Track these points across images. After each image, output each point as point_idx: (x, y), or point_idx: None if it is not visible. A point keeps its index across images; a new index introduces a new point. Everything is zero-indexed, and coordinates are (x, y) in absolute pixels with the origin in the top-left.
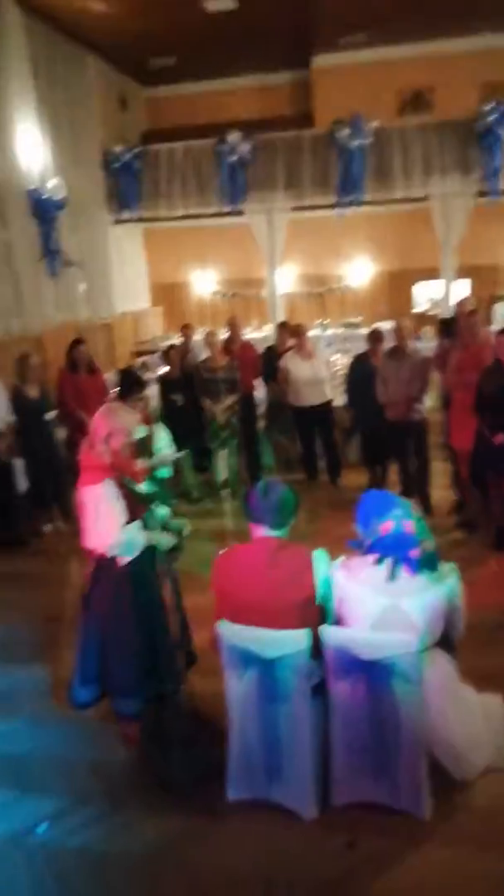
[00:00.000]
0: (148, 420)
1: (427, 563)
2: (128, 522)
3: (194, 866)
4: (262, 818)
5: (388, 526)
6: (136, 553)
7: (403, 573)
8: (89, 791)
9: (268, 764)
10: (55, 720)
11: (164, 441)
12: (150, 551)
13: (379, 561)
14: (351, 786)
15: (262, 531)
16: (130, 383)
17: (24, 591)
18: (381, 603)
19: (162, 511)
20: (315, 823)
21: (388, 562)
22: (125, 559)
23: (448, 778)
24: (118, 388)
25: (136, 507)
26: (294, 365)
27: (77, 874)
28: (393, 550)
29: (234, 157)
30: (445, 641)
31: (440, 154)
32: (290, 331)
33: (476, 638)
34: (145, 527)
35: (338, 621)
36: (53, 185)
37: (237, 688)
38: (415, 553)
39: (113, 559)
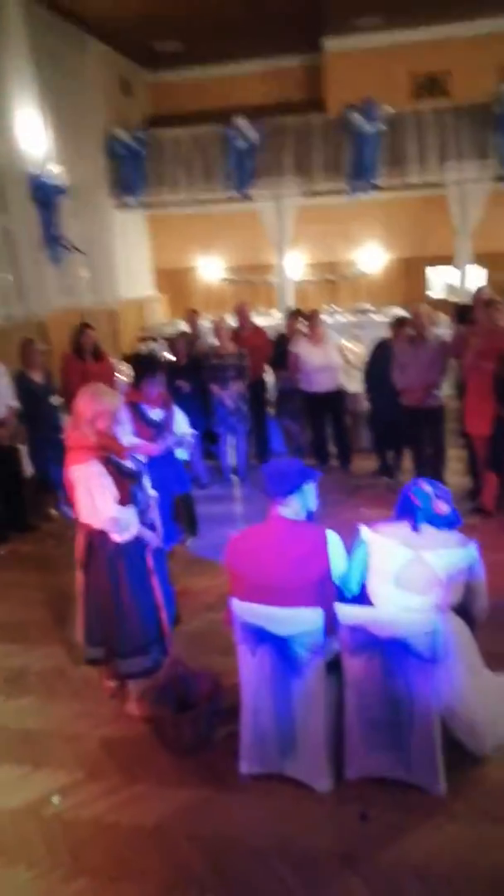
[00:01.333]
0: (166, 402)
1: (442, 522)
2: (119, 500)
3: (206, 838)
4: (276, 791)
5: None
6: (129, 536)
7: (428, 528)
8: (102, 765)
9: (281, 739)
10: (68, 697)
11: (181, 423)
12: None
13: (401, 517)
14: (364, 760)
15: (277, 508)
16: (146, 366)
17: (34, 573)
18: (404, 554)
19: (148, 490)
20: (328, 796)
21: (412, 518)
22: (118, 537)
23: (462, 754)
24: (134, 373)
25: (122, 484)
26: (305, 351)
27: (90, 844)
28: (419, 509)
29: (243, 143)
30: (468, 617)
31: (456, 139)
32: (303, 316)
33: (492, 622)
34: (134, 502)
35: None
36: (55, 171)
37: (250, 664)
38: (442, 507)
39: (105, 534)
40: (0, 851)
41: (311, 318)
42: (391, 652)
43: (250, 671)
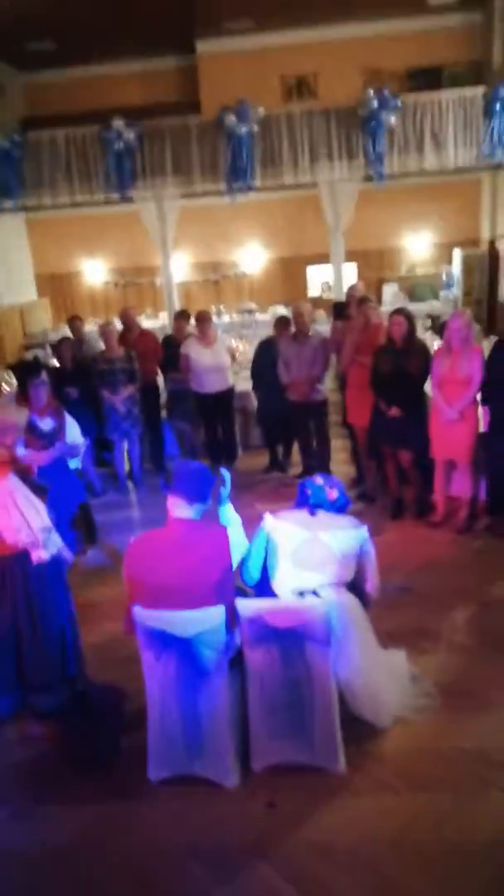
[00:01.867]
0: (56, 410)
1: (333, 506)
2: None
3: (122, 850)
4: (185, 793)
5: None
6: (55, 549)
7: (323, 513)
8: (7, 790)
9: (188, 740)
10: None
11: (74, 431)
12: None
13: (300, 505)
14: (269, 749)
15: (179, 509)
16: (29, 370)
17: None
18: (301, 534)
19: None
20: (237, 791)
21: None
22: (45, 554)
23: (358, 731)
24: (17, 381)
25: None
26: (195, 352)
27: (3, 876)
28: (313, 498)
29: (121, 144)
30: (361, 596)
31: (326, 140)
32: (195, 317)
33: (379, 601)
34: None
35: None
36: None
37: (155, 669)
38: (333, 493)
39: (21, 558)
40: None
41: (201, 319)
42: (289, 639)
43: (155, 677)
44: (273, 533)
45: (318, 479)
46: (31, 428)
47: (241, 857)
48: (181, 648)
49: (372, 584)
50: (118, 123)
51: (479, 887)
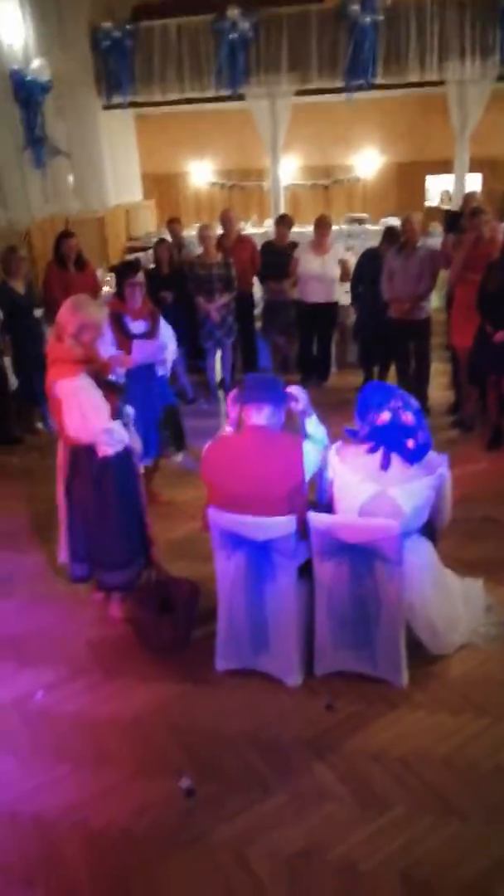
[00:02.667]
0: (151, 313)
1: (414, 456)
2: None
3: (184, 728)
4: (249, 686)
5: (385, 417)
6: (120, 448)
7: (396, 463)
8: (84, 663)
9: (254, 637)
10: (51, 601)
11: (167, 336)
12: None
13: (373, 450)
14: (333, 657)
15: (254, 416)
16: (124, 271)
17: (20, 485)
18: (369, 489)
19: (129, 408)
20: (298, 689)
21: (381, 451)
22: (109, 450)
23: (425, 652)
24: (115, 281)
25: (110, 398)
26: (305, 258)
27: (71, 735)
28: (388, 440)
29: (235, 35)
30: (429, 528)
31: (458, 34)
32: (314, 222)
33: (462, 530)
34: (120, 416)
35: (329, 502)
36: (37, 66)
37: (226, 568)
38: (411, 443)
39: (91, 449)
40: None
41: (320, 224)
42: (359, 556)
43: (226, 575)
44: (338, 478)
45: (407, 415)
46: (124, 329)
47: (298, 753)
48: (252, 551)
49: (442, 519)
50: (233, 12)
51: None
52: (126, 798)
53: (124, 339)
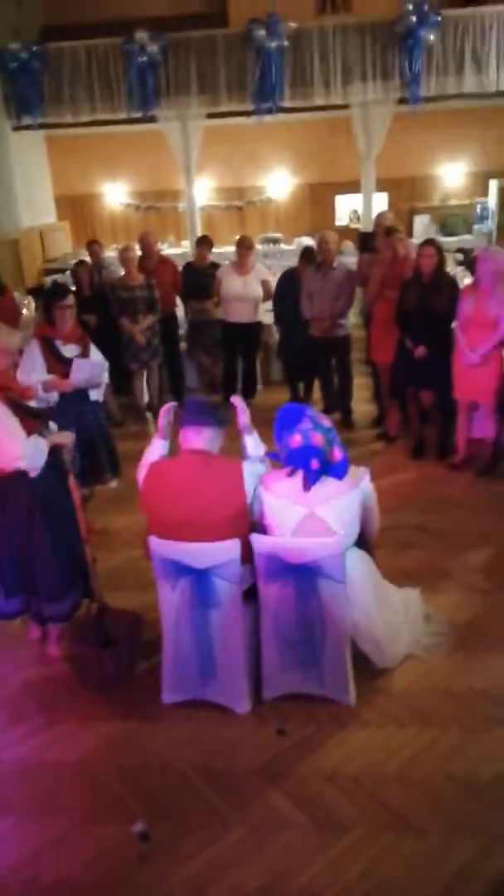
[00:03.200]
0: (81, 338)
1: (335, 472)
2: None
3: (133, 767)
4: (197, 717)
5: (296, 439)
6: (43, 461)
7: (318, 482)
8: (24, 708)
9: (202, 666)
10: None
11: (97, 359)
12: (54, 458)
13: (291, 473)
14: (280, 679)
15: (194, 439)
16: (53, 292)
17: None
18: (297, 512)
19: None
20: (248, 716)
21: (299, 473)
22: (34, 470)
23: (371, 667)
24: (43, 304)
25: (28, 424)
26: (227, 279)
27: (14, 784)
28: (303, 462)
29: (144, 58)
30: (362, 540)
31: (360, 58)
32: (236, 242)
33: (395, 540)
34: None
35: (257, 529)
36: None
37: (170, 597)
38: (314, 464)
39: (20, 474)
40: None
41: (241, 244)
42: (303, 576)
43: (170, 604)
44: (267, 505)
45: (318, 438)
46: (56, 354)
47: (252, 782)
48: (196, 578)
49: (371, 531)
50: (141, 35)
51: (480, 822)
52: (77, 848)
53: (57, 363)
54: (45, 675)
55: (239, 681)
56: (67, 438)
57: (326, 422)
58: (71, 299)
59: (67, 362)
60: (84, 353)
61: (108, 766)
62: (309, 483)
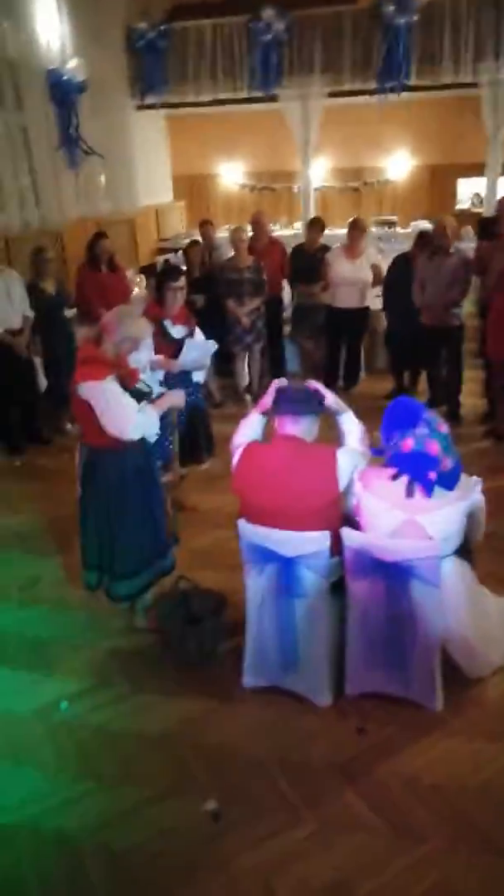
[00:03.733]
0: (188, 319)
1: (445, 482)
2: None
3: (209, 746)
4: (277, 704)
5: (409, 443)
6: (155, 429)
7: (419, 492)
8: (110, 674)
9: (283, 655)
10: (79, 608)
11: (206, 342)
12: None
13: (397, 476)
14: (364, 677)
15: (286, 426)
16: (167, 272)
17: (49, 486)
18: (397, 516)
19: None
20: (328, 711)
21: (404, 478)
22: (151, 437)
23: (461, 675)
24: (156, 285)
25: None
26: (337, 262)
27: (96, 748)
28: (411, 469)
29: (269, 36)
30: (462, 546)
31: (494, 33)
32: (348, 224)
33: (497, 546)
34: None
35: (351, 523)
36: (73, 65)
37: (256, 582)
38: (433, 475)
39: (111, 454)
40: (10, 753)
41: (354, 227)
42: (395, 575)
43: (256, 590)
44: (364, 504)
45: (434, 445)
46: (163, 334)
47: (327, 777)
48: (283, 566)
49: (475, 537)
50: (268, 13)
51: None
52: (149, 819)
53: (165, 344)
54: (132, 646)
55: (321, 673)
56: (180, 399)
57: (444, 427)
58: (182, 281)
59: (175, 343)
60: (191, 335)
61: (185, 743)
62: (426, 493)
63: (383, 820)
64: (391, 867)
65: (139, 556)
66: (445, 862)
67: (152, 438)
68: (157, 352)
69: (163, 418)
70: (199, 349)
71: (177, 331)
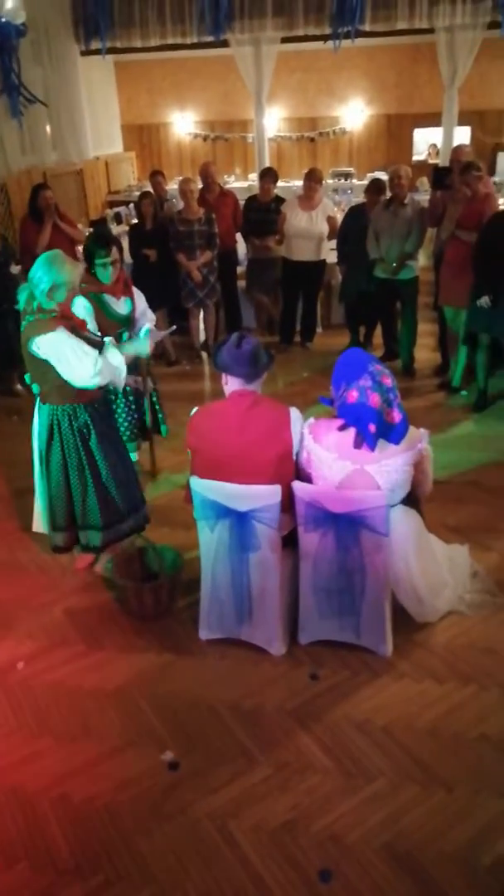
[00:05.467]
0: (127, 287)
1: (392, 436)
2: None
3: (167, 699)
4: (232, 655)
5: (353, 395)
6: (123, 374)
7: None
8: (66, 634)
9: (238, 607)
10: (33, 570)
11: (146, 313)
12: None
13: (343, 427)
14: (317, 626)
15: (234, 385)
16: (94, 242)
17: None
18: (345, 466)
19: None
20: (282, 659)
21: (351, 428)
22: (118, 382)
23: (410, 620)
24: (86, 253)
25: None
26: (293, 214)
27: (53, 707)
28: (355, 420)
29: None
30: (411, 498)
31: None
32: (304, 174)
33: (448, 495)
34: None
35: (301, 476)
36: (11, 7)
37: (209, 537)
38: (372, 427)
39: (72, 410)
40: None
41: (310, 177)
42: (345, 526)
43: (209, 545)
44: (312, 455)
45: (377, 398)
46: (104, 310)
47: (282, 722)
48: (235, 521)
49: (423, 490)
50: None
51: None
52: (107, 771)
53: (110, 321)
54: (88, 604)
55: (274, 623)
56: (145, 347)
57: (388, 380)
58: (115, 253)
59: (121, 319)
60: (135, 307)
61: (142, 696)
62: (368, 446)
63: (335, 761)
64: (343, 805)
65: (109, 509)
66: (395, 798)
67: (120, 384)
68: (101, 332)
69: (135, 393)
70: (156, 338)
71: (120, 305)
